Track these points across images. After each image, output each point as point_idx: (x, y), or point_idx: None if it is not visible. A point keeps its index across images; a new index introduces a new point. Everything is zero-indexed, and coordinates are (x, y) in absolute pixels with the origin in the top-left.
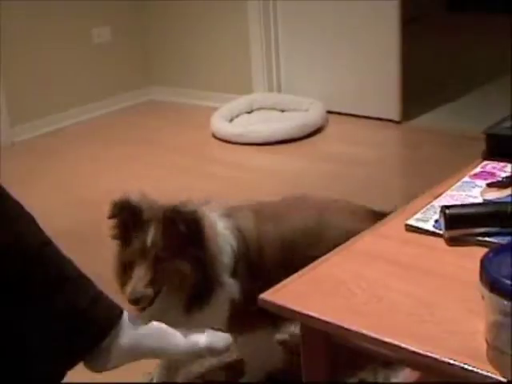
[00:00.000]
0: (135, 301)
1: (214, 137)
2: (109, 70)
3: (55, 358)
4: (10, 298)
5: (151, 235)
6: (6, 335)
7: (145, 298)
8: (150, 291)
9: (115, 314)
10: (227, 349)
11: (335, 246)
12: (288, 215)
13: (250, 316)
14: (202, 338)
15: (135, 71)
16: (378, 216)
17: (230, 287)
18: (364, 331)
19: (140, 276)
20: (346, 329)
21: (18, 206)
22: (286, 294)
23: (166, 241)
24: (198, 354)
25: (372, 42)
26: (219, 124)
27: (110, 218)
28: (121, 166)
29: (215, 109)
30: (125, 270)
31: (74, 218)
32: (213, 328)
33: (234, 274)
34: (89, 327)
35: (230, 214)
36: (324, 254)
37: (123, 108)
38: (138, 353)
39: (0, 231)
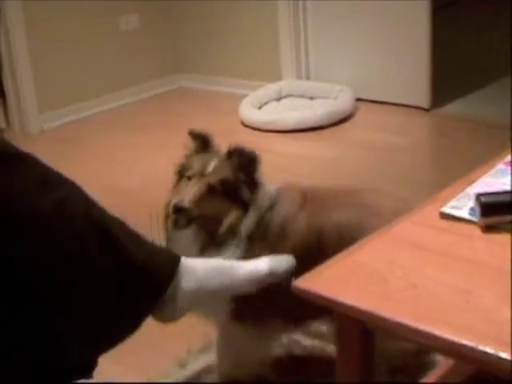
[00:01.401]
0: (178, 209)
1: (243, 124)
2: (137, 57)
3: (122, 315)
4: (64, 261)
5: (213, 164)
6: (64, 296)
7: (188, 212)
8: (194, 209)
9: (174, 262)
10: (290, 271)
11: None
12: (332, 208)
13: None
14: (263, 265)
15: (163, 58)
16: None
17: (238, 246)
18: (399, 319)
19: (190, 191)
20: (382, 317)
21: (55, 174)
22: (319, 281)
23: (224, 175)
24: (262, 281)
25: (402, 28)
26: (248, 111)
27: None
28: (150, 153)
29: (243, 96)
30: (179, 181)
31: (105, 205)
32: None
33: (248, 237)
34: (150, 279)
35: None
36: None
37: (152, 95)
38: (202, 295)
39: (38, 199)
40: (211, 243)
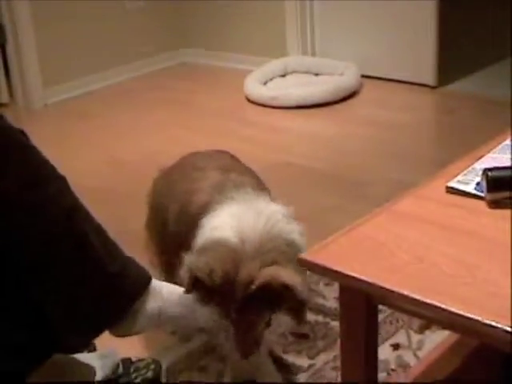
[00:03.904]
0: None
1: (248, 100)
2: (142, 31)
3: (83, 323)
4: (36, 259)
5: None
6: (31, 299)
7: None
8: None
9: (144, 280)
10: None
11: None
12: None
13: None
14: None
15: (168, 33)
16: None
17: None
18: (405, 292)
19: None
20: (387, 289)
21: (50, 168)
22: (325, 254)
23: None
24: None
25: (409, 5)
26: (253, 87)
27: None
28: (155, 128)
29: (248, 72)
30: None
31: (107, 178)
32: None
33: None
34: (118, 292)
35: None
36: None
37: (156, 70)
38: (162, 320)
39: (31, 191)
40: None
